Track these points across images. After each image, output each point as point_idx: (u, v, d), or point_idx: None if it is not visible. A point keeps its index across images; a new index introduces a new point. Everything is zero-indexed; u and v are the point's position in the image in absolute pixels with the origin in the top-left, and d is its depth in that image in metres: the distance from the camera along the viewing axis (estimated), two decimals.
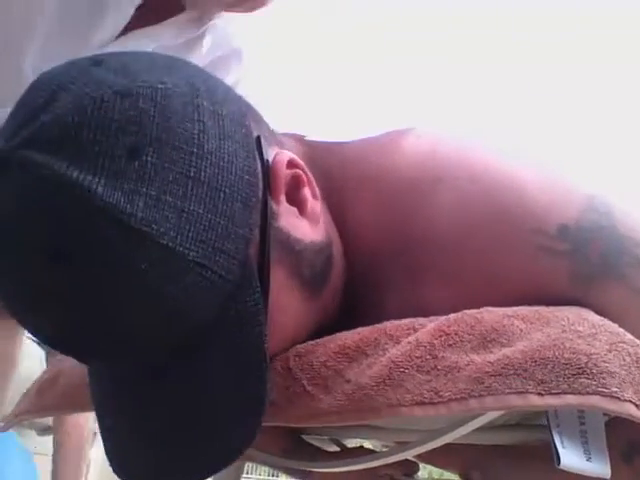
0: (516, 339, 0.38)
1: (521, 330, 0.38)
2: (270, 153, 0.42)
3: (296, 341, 0.43)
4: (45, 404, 0.54)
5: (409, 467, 0.61)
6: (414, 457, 0.65)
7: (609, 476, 0.34)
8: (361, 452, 0.55)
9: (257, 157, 0.40)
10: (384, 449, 0.64)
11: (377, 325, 0.42)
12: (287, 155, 0.42)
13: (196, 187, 0.35)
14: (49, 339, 0.37)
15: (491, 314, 0.40)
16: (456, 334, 0.39)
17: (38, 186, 0.32)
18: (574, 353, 0.36)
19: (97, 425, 0.42)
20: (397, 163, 0.47)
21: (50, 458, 1.78)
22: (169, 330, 0.36)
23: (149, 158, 0.33)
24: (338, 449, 0.66)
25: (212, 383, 0.37)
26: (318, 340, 0.43)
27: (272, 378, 0.41)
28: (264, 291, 0.38)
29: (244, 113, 0.40)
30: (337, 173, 0.48)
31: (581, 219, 0.42)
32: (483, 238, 0.43)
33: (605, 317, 0.40)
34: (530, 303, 0.41)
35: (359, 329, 0.43)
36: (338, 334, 0.43)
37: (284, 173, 0.41)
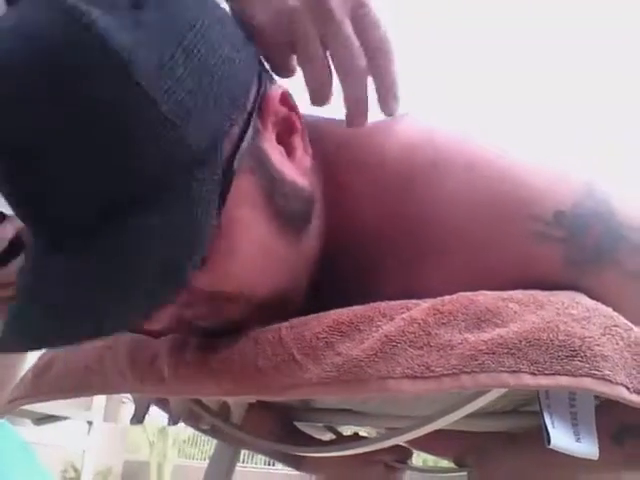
0: (510, 320, 0.38)
1: (515, 312, 0.38)
2: (268, 82, 0.42)
3: (271, 280, 0.42)
4: (39, 390, 0.54)
5: (402, 453, 0.61)
6: (409, 444, 0.65)
7: (597, 457, 0.34)
8: (355, 439, 0.55)
9: (255, 75, 0.41)
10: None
11: (372, 304, 0.42)
12: (283, 89, 0.42)
13: (186, 56, 0.36)
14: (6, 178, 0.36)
15: (486, 296, 0.40)
16: (450, 313, 0.38)
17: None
18: (568, 335, 0.36)
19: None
20: (392, 147, 0.46)
21: (48, 448, 1.78)
22: (119, 180, 0.35)
23: (151, 13, 0.35)
24: (333, 437, 0.66)
25: (137, 253, 0.35)
26: (312, 315, 0.43)
27: (262, 346, 0.41)
28: (225, 183, 0.37)
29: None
30: (331, 158, 0.48)
31: (578, 206, 0.42)
32: (479, 225, 0.43)
33: (599, 302, 0.40)
34: (526, 289, 0.41)
35: (354, 307, 0.42)
36: (333, 310, 0.43)
37: (277, 106, 0.42)
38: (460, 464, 0.62)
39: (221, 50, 0.38)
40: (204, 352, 0.44)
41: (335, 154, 0.48)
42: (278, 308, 0.44)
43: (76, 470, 2.35)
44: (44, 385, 0.54)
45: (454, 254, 0.44)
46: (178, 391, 0.47)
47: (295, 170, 0.43)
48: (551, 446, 0.34)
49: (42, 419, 2.05)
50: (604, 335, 0.36)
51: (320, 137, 0.48)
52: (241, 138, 0.38)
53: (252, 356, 0.41)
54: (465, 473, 0.59)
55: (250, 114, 0.39)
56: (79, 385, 0.50)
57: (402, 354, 0.37)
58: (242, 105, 0.39)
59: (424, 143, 0.45)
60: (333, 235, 0.47)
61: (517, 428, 0.52)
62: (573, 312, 0.38)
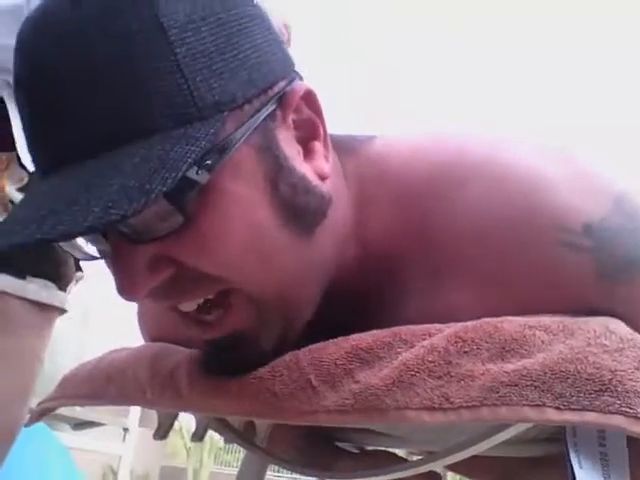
0: (537, 350, 0.36)
1: (542, 341, 0.36)
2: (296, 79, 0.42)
3: (272, 275, 0.40)
4: (64, 394, 0.55)
5: (432, 478, 0.59)
6: (443, 467, 0.63)
7: None
8: (383, 457, 0.53)
9: (285, 76, 0.41)
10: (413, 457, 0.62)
11: (392, 328, 0.41)
12: (308, 87, 0.42)
13: (217, 25, 0.37)
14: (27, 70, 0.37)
15: (512, 323, 0.38)
16: (473, 341, 0.37)
17: None
18: (598, 368, 0.34)
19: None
20: (421, 165, 0.46)
21: (86, 454, 1.81)
22: (121, 111, 0.35)
23: None
24: (357, 450, 0.64)
25: (102, 175, 0.34)
26: (331, 340, 0.42)
27: (279, 370, 0.40)
28: (220, 148, 0.36)
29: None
30: (363, 173, 0.47)
31: (606, 220, 0.41)
32: (505, 238, 0.42)
33: (634, 314, 0.38)
34: (555, 301, 0.40)
35: (374, 331, 0.41)
36: (352, 335, 0.42)
37: (299, 102, 0.42)
38: None
39: (253, 38, 0.39)
40: None
41: (369, 172, 0.47)
42: (283, 316, 0.42)
43: (115, 474, 2.39)
44: (68, 389, 0.55)
45: (477, 271, 0.42)
46: (196, 407, 0.46)
47: (309, 169, 0.42)
48: None
49: (80, 424, 2.09)
50: (638, 369, 0.34)
51: (353, 152, 0.48)
52: (252, 117, 0.38)
53: (269, 380, 0.40)
54: None
55: (269, 100, 0.40)
56: (96, 393, 0.50)
57: (421, 384, 0.35)
58: (262, 90, 0.39)
59: (455, 162, 0.45)
60: (355, 250, 0.46)
61: (553, 454, 0.49)
62: (605, 342, 0.36)
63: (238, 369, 0.42)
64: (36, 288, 0.80)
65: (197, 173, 0.35)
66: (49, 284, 0.82)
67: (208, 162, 0.35)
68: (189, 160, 0.34)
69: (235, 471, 0.69)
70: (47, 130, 0.36)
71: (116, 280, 0.38)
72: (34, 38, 0.37)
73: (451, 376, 0.35)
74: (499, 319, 0.38)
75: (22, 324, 0.81)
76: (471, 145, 0.45)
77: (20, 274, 0.79)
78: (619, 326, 0.38)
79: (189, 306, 0.41)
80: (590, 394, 0.33)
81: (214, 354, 0.44)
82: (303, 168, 0.41)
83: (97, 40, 0.35)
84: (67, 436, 2.02)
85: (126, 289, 0.37)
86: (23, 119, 0.38)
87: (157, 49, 0.35)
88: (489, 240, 0.42)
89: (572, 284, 0.41)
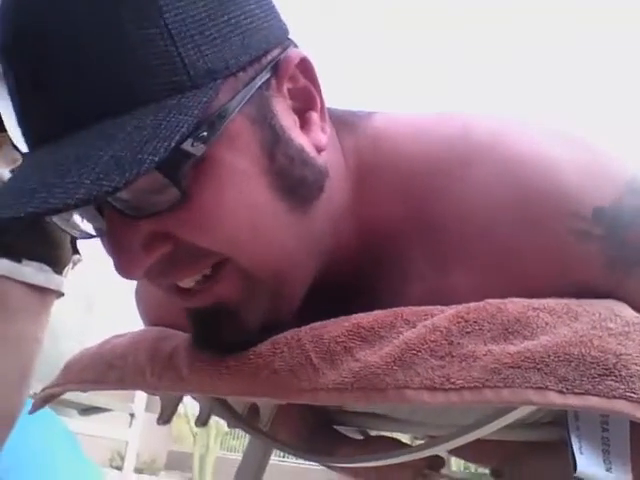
0: (540, 332, 0.35)
1: (547, 323, 0.36)
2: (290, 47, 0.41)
3: (265, 248, 0.39)
4: (67, 380, 0.54)
5: (434, 462, 0.59)
6: (445, 451, 0.63)
7: None
8: (385, 442, 0.53)
9: (280, 43, 0.40)
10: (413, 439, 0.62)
11: (394, 309, 0.41)
12: (303, 54, 0.41)
13: None
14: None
15: (516, 304, 0.37)
16: (475, 322, 0.36)
17: None
18: (602, 352, 0.33)
19: None
20: (426, 145, 0.44)
21: (93, 439, 1.81)
22: (107, 79, 0.34)
23: None
24: (361, 436, 0.64)
25: (93, 147, 0.33)
26: (333, 319, 0.42)
27: (279, 347, 0.39)
28: (213, 118, 0.35)
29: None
30: (363, 150, 0.46)
31: (619, 202, 0.39)
32: (513, 222, 0.40)
33: None
34: (562, 290, 0.39)
35: (376, 312, 0.41)
36: (354, 315, 0.41)
37: (294, 70, 0.40)
38: (496, 474, 0.59)
39: (246, 3, 0.38)
40: None
41: (367, 147, 0.46)
42: (272, 292, 0.41)
43: (122, 459, 2.41)
44: (71, 375, 0.55)
45: (482, 254, 0.41)
46: (195, 389, 0.46)
47: (306, 141, 0.41)
48: (577, 474, 0.31)
49: (87, 410, 2.10)
50: None
51: (352, 126, 0.47)
52: (246, 85, 0.37)
53: (268, 357, 0.40)
54: None
55: (264, 68, 0.39)
56: (98, 379, 0.50)
57: (422, 363, 0.35)
58: (256, 58, 0.38)
59: (457, 140, 0.43)
60: (353, 227, 0.45)
61: (557, 439, 0.49)
62: (610, 325, 0.35)
63: (224, 345, 0.42)
64: (32, 271, 0.80)
65: (192, 145, 0.34)
66: (45, 267, 0.81)
67: (203, 134, 0.34)
68: (182, 130, 0.33)
69: (240, 456, 0.69)
70: (34, 101, 0.35)
71: (113, 258, 0.37)
72: (16, 4, 0.36)
73: (453, 356, 0.35)
74: (502, 300, 0.38)
75: (19, 307, 0.81)
76: (476, 123, 0.44)
77: (16, 257, 0.79)
78: (625, 309, 0.38)
79: (187, 282, 0.40)
80: (594, 378, 0.32)
81: (198, 330, 0.44)
82: (300, 139, 0.40)
83: (83, 4, 0.34)
84: (74, 422, 2.03)
85: (124, 267, 0.37)
86: (10, 90, 0.37)
87: (146, 15, 0.34)
88: (495, 224, 0.41)
89: (580, 274, 0.40)
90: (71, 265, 0.87)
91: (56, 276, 0.83)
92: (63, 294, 0.85)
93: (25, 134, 0.37)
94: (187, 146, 0.34)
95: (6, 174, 0.77)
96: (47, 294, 0.83)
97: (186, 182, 0.35)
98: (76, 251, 0.87)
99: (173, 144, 0.32)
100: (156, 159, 0.32)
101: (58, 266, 0.83)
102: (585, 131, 0.44)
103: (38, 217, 0.32)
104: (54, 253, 0.82)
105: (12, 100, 0.37)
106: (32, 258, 0.80)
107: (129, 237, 0.36)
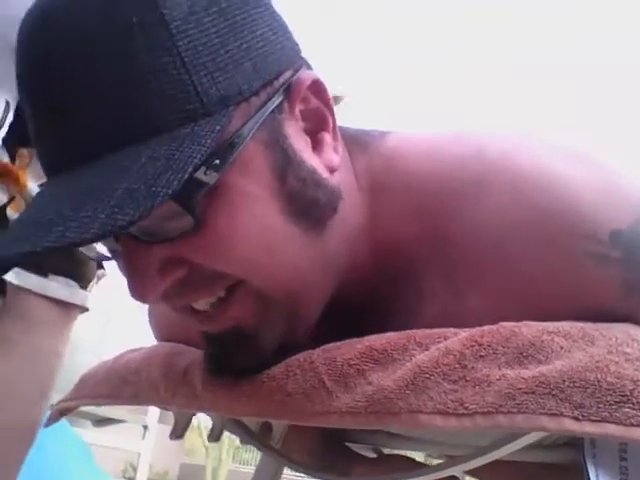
0: (555, 357, 0.35)
1: (562, 347, 0.35)
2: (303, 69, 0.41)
3: (280, 271, 0.39)
4: (82, 394, 0.55)
5: None
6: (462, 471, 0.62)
7: None
8: (400, 461, 0.52)
9: (292, 65, 0.40)
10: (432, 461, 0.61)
11: (407, 331, 0.40)
12: (316, 76, 0.41)
13: (219, 15, 0.36)
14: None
15: (530, 328, 0.37)
16: (489, 346, 0.36)
17: None
18: (619, 378, 0.33)
19: None
20: (438, 165, 0.44)
21: (107, 450, 1.82)
22: (121, 109, 0.34)
23: None
24: (374, 455, 0.64)
25: (107, 181, 0.33)
26: (346, 340, 0.41)
27: (292, 370, 0.39)
28: (226, 145, 0.35)
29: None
30: (376, 170, 0.46)
31: (636, 224, 0.39)
32: (528, 243, 0.40)
33: None
34: (578, 314, 0.38)
35: (389, 333, 0.41)
36: (367, 337, 0.41)
37: (306, 92, 0.40)
38: None
39: (257, 27, 0.38)
40: None
41: (380, 166, 0.46)
42: (288, 314, 0.41)
43: (135, 471, 2.42)
44: (86, 389, 0.55)
45: (496, 275, 0.41)
46: (209, 407, 0.46)
47: (319, 162, 0.41)
48: None
49: (101, 421, 2.11)
50: None
51: (366, 147, 0.47)
52: (258, 110, 0.37)
53: (282, 380, 0.40)
54: None
55: (276, 91, 0.39)
56: (112, 394, 0.51)
57: (435, 387, 0.35)
58: (268, 82, 0.38)
59: (471, 160, 0.43)
60: (368, 248, 0.45)
61: (573, 461, 0.48)
62: (627, 350, 0.35)
63: (238, 370, 0.42)
64: (58, 286, 0.81)
65: (205, 174, 0.34)
66: (71, 282, 0.83)
67: (216, 162, 0.35)
68: (195, 160, 0.33)
69: (253, 469, 0.68)
70: (48, 130, 0.36)
71: (128, 282, 0.37)
72: (33, 33, 0.37)
73: (466, 380, 0.34)
74: (517, 323, 0.37)
75: (42, 322, 0.81)
76: (490, 143, 0.44)
77: (42, 272, 0.80)
78: None
79: (202, 305, 0.40)
80: (611, 405, 0.32)
81: (213, 353, 0.44)
82: (312, 161, 0.41)
83: (98, 35, 0.34)
84: (88, 433, 2.04)
85: (138, 291, 0.37)
86: (27, 118, 0.37)
87: (159, 43, 0.34)
88: (510, 246, 0.41)
89: (597, 297, 0.39)
90: (96, 280, 0.88)
91: (81, 291, 0.84)
92: (87, 309, 0.86)
93: (42, 161, 0.38)
94: (200, 175, 0.34)
95: (35, 188, 0.78)
96: (71, 309, 0.84)
97: (200, 209, 0.35)
98: (101, 266, 0.88)
99: (186, 176, 0.32)
100: (170, 191, 0.32)
101: (83, 281, 0.84)
102: (597, 150, 0.44)
103: (54, 251, 0.32)
104: (80, 268, 0.83)
105: (29, 126, 0.38)
106: (58, 273, 0.81)
107: (144, 262, 0.37)
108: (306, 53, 0.43)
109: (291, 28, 0.43)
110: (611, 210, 0.39)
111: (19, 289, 0.79)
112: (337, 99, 0.69)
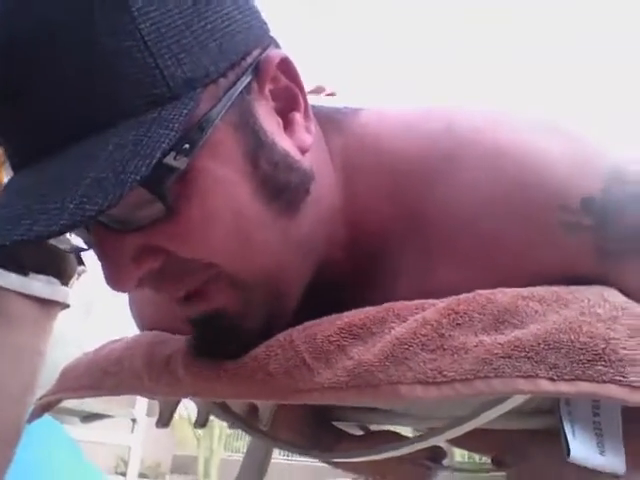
0: (530, 321, 0.35)
1: (536, 312, 0.36)
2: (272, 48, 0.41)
3: (254, 256, 0.39)
4: (65, 387, 0.55)
5: (436, 453, 0.59)
6: (445, 442, 0.63)
7: (623, 472, 0.31)
8: (386, 436, 0.53)
9: (260, 43, 0.40)
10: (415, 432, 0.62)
11: (386, 304, 0.41)
12: (284, 54, 0.40)
13: None
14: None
15: (505, 295, 0.37)
16: (465, 313, 0.37)
17: None
18: (591, 337, 0.33)
19: None
20: (410, 142, 0.44)
21: (97, 446, 1.81)
22: (86, 96, 0.33)
23: None
24: (361, 432, 0.64)
25: (73, 170, 0.33)
26: (325, 317, 0.42)
27: (273, 349, 0.40)
28: (195, 129, 0.35)
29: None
30: (349, 149, 0.46)
31: (607, 190, 0.39)
32: (501, 216, 0.40)
33: (634, 298, 0.37)
34: (553, 282, 0.39)
35: (367, 308, 0.41)
36: (346, 312, 0.41)
37: (275, 71, 0.40)
38: (499, 464, 0.60)
39: (222, 6, 0.37)
40: None
41: (354, 145, 0.46)
42: (269, 297, 0.41)
43: (127, 465, 2.42)
44: (68, 382, 0.55)
45: (470, 249, 0.41)
46: (193, 392, 0.46)
47: (291, 143, 0.41)
48: (571, 459, 0.31)
49: (88, 417, 2.10)
50: (632, 337, 0.34)
51: (338, 125, 0.47)
52: (227, 91, 0.37)
53: (263, 360, 0.40)
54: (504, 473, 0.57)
55: (244, 72, 0.38)
56: (94, 385, 0.50)
57: (414, 358, 0.35)
58: (236, 62, 0.38)
59: (441, 135, 0.43)
60: (344, 228, 0.45)
61: (555, 426, 0.49)
62: (599, 311, 0.35)
63: (226, 351, 0.42)
64: (39, 285, 0.80)
65: (175, 159, 0.34)
66: (52, 280, 0.82)
67: (186, 146, 0.34)
68: (163, 145, 0.32)
69: None
70: (11, 121, 0.35)
71: (103, 271, 0.37)
72: None
73: (444, 349, 0.35)
74: (492, 290, 0.38)
75: (24, 321, 0.81)
76: (460, 117, 0.44)
77: (22, 271, 0.79)
78: (615, 295, 0.38)
79: (179, 293, 0.40)
80: (584, 364, 0.33)
81: (200, 336, 0.44)
82: (284, 143, 0.40)
83: (59, 21, 0.33)
84: (76, 429, 2.03)
85: (113, 280, 0.37)
86: None
87: (121, 26, 0.33)
88: (482, 218, 0.41)
89: (571, 265, 0.40)
90: (76, 276, 0.87)
91: (62, 288, 0.83)
92: (69, 306, 0.85)
93: (7, 154, 0.37)
94: (170, 160, 0.34)
95: None
96: (52, 306, 0.83)
97: (171, 196, 0.35)
98: (81, 262, 0.87)
99: (154, 161, 0.32)
100: (138, 178, 0.31)
101: (64, 278, 0.83)
102: (571, 121, 0.44)
103: (23, 244, 0.32)
104: (60, 265, 0.82)
105: None
106: (39, 271, 0.80)
107: (117, 251, 0.36)
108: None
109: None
110: (582, 178, 0.40)
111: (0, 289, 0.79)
112: (318, 89, 0.68)
